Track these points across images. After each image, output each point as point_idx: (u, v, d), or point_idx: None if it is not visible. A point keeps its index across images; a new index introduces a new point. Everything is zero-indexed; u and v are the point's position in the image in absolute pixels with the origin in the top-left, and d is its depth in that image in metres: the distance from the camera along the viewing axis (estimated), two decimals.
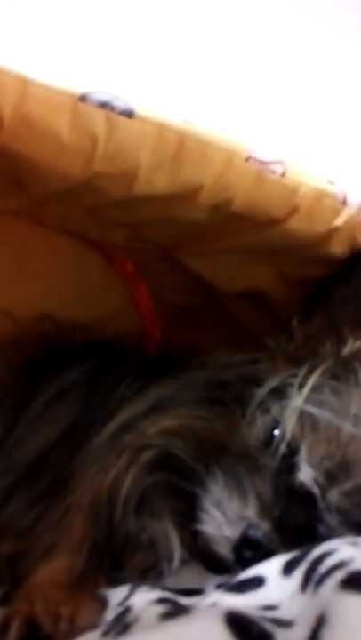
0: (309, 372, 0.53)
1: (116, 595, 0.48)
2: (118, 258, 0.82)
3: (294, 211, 0.57)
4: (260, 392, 0.54)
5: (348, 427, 0.49)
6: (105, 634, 0.41)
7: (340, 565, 0.36)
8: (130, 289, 0.86)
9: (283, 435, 0.51)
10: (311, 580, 0.38)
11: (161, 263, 0.76)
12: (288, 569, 0.43)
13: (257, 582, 0.44)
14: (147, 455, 0.55)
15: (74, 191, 0.58)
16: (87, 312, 0.84)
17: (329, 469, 0.50)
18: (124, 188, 0.56)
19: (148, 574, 0.53)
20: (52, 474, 0.60)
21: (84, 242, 0.80)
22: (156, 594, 0.44)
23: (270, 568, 0.44)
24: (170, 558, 0.52)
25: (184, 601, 0.43)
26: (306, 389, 0.51)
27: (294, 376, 0.54)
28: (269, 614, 0.38)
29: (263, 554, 0.48)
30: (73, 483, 0.56)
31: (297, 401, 0.51)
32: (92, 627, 0.44)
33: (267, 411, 0.54)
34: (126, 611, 0.43)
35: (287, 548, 0.48)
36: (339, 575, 0.34)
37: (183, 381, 0.61)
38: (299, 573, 0.41)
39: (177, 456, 0.55)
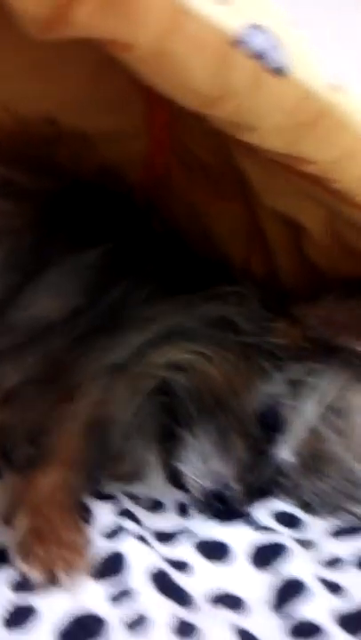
0: (332, 382, 0.55)
1: (102, 512, 0.54)
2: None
3: None
4: (269, 389, 0.56)
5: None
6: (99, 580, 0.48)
7: None
8: (148, 111, 0.74)
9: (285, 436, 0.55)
10: None
11: (199, 120, 0.65)
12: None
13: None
14: (148, 384, 0.58)
15: None
16: (97, 125, 0.73)
17: (307, 461, 0.55)
18: (233, 131, 0.47)
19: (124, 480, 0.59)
20: (47, 351, 0.60)
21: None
22: (153, 557, 0.50)
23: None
24: (147, 475, 0.58)
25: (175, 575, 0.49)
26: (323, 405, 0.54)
27: (313, 373, 0.55)
28: None
29: (229, 510, 0.56)
30: (76, 385, 0.57)
31: (312, 415, 0.53)
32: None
33: (272, 385, 0.57)
34: (117, 559, 0.50)
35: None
36: None
37: (197, 312, 0.60)
38: None
39: (175, 389, 0.57)
